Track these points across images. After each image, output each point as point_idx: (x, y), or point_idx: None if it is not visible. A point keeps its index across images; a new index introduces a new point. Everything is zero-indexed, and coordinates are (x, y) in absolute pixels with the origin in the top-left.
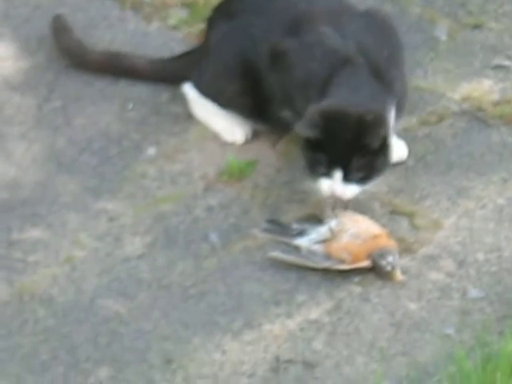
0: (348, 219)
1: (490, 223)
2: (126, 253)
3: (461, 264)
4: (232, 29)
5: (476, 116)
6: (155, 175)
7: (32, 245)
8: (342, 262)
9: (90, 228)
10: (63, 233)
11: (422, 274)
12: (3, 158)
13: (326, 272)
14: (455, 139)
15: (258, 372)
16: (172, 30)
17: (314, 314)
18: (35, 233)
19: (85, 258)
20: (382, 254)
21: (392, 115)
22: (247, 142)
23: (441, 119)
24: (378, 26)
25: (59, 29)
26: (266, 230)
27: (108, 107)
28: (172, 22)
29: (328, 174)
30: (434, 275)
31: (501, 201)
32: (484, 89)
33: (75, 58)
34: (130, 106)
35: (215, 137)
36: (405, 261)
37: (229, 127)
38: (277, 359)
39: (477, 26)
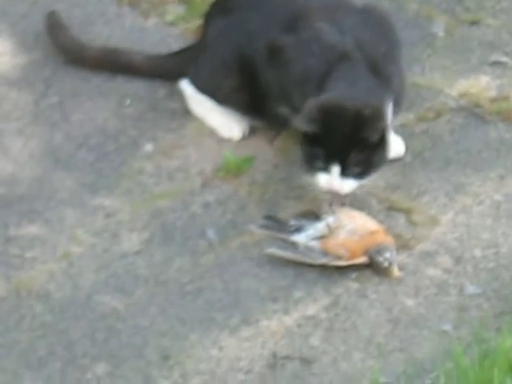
0: (345, 215)
1: (487, 219)
2: (123, 249)
3: (458, 260)
4: (229, 25)
5: (473, 112)
6: (152, 171)
7: (29, 241)
8: (339, 258)
9: (87, 224)
10: (60, 229)
11: (419, 270)
12: (0, 153)
13: (324, 268)
14: (452, 135)
15: (255, 368)
16: (169, 26)
17: (311, 310)
18: (32, 229)
19: (82, 253)
20: (379, 250)
21: (390, 110)
22: (244, 138)
23: (438, 115)
24: (376, 22)
25: (54, 25)
26: (263, 226)
27: (105, 103)
28: (169, 18)
29: (326, 168)
30: (432, 271)
31: (498, 197)
32: (481, 85)
33: (71, 54)
34: (127, 102)
35: (212, 133)
36: (402, 257)
37: (226, 123)
38: (274, 355)
39: (474, 23)
